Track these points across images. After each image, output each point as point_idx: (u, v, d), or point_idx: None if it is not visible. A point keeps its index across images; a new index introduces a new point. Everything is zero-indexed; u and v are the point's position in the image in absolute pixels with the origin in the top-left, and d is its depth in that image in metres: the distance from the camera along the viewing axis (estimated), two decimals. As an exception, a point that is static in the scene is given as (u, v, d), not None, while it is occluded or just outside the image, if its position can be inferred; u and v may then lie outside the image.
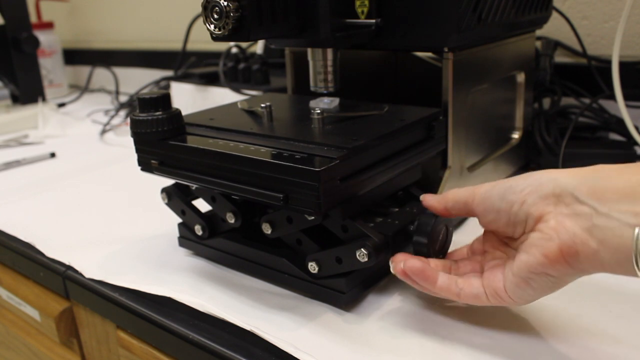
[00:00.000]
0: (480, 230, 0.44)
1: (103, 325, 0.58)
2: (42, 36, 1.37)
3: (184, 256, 0.57)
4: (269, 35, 0.49)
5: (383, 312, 0.45)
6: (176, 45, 1.30)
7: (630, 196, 0.30)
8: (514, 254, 0.38)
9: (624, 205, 0.31)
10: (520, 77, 0.70)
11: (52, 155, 0.98)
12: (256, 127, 0.51)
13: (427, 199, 0.45)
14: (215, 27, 0.45)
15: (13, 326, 0.74)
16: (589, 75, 0.83)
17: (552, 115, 0.77)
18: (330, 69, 0.55)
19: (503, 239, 0.42)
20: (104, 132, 1.11)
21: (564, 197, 0.34)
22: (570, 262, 0.34)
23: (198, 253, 0.57)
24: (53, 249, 0.60)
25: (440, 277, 0.41)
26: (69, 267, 0.57)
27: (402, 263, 0.42)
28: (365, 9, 0.54)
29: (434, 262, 0.44)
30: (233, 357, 0.42)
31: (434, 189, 0.56)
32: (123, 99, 1.36)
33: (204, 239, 0.54)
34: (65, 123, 1.19)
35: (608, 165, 0.34)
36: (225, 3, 0.44)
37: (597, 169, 0.34)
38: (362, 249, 0.42)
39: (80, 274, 0.55)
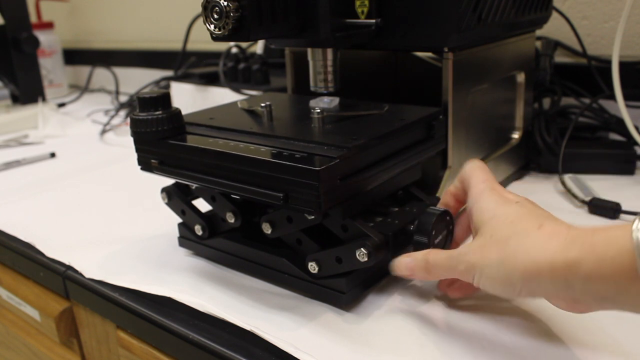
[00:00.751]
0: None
1: (103, 325, 0.58)
2: (42, 36, 1.37)
3: (184, 256, 0.57)
4: (269, 35, 0.49)
5: (383, 312, 0.45)
6: (176, 45, 1.30)
7: None
8: None
9: None
10: (520, 77, 0.70)
11: (52, 155, 0.98)
12: (256, 126, 0.51)
13: (402, 271, 0.44)
14: (215, 27, 0.45)
15: (13, 326, 0.74)
16: (589, 75, 0.83)
17: (552, 115, 0.77)
18: (330, 69, 0.55)
19: None
20: (104, 132, 1.11)
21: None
22: None
23: (198, 253, 0.56)
24: (53, 249, 0.60)
25: None
26: (69, 267, 0.57)
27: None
28: (365, 9, 0.53)
29: None
30: (233, 357, 0.42)
31: (434, 189, 0.56)
32: (123, 99, 1.36)
33: (204, 239, 0.54)
34: (65, 123, 1.19)
35: None
36: (225, 3, 0.44)
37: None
38: (362, 249, 0.42)
39: (80, 274, 0.55)
